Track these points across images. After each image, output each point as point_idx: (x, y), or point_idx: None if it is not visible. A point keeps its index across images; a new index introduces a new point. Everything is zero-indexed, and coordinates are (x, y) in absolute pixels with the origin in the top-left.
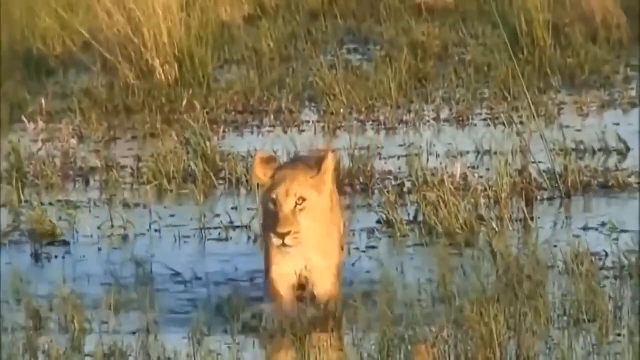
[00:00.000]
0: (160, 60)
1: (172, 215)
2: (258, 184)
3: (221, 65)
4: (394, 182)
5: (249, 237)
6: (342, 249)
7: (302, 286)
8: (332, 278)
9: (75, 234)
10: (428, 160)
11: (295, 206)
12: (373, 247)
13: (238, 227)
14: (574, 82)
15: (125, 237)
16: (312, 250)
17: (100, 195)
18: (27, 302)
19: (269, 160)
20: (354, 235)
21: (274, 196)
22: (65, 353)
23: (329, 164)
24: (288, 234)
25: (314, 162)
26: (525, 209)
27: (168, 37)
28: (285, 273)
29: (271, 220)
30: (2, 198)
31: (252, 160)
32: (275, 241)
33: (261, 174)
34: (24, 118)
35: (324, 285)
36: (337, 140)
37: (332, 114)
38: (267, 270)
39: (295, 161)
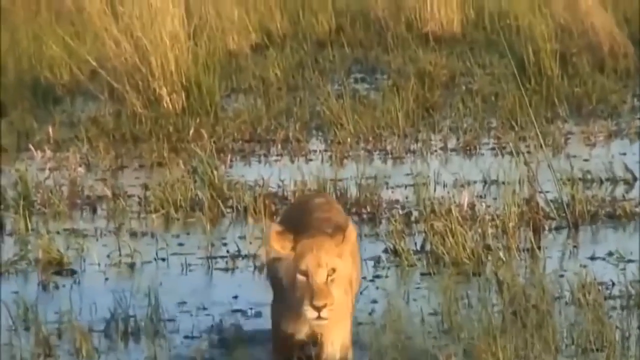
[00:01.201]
0: (167, 89)
1: (180, 244)
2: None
3: (228, 94)
4: (401, 211)
5: (256, 267)
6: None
7: (311, 336)
8: (345, 337)
9: (82, 262)
10: (435, 189)
11: (327, 277)
12: (379, 277)
13: (245, 256)
14: (581, 112)
15: (132, 266)
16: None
17: (107, 223)
18: (35, 330)
19: (284, 232)
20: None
21: (303, 267)
22: None
23: (352, 233)
24: (324, 306)
25: (333, 231)
26: (532, 238)
27: (175, 65)
28: (294, 333)
29: (302, 292)
30: (8, 226)
31: (259, 189)
32: (310, 314)
33: (279, 246)
34: (31, 146)
35: (336, 346)
36: (343, 169)
37: (339, 143)
38: (275, 331)
39: (310, 231)
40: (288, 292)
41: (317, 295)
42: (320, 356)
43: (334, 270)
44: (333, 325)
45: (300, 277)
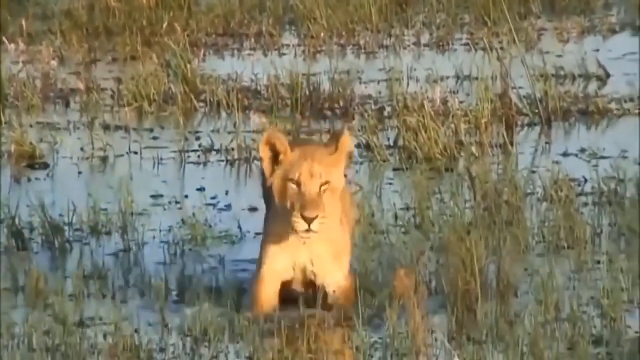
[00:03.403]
0: None
1: (153, 138)
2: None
3: None
4: (373, 106)
5: (227, 160)
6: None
7: (308, 285)
8: (344, 272)
9: (55, 155)
10: (408, 84)
11: (320, 188)
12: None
13: (217, 150)
14: (554, 8)
15: (104, 159)
16: (321, 241)
17: (80, 117)
18: (8, 223)
19: (279, 135)
20: None
21: (295, 175)
22: (46, 274)
23: (346, 142)
24: (316, 218)
25: (329, 140)
26: (505, 134)
27: None
28: (280, 269)
29: (292, 201)
30: None
31: (232, 83)
32: (299, 225)
33: (267, 151)
34: (4, 39)
35: (335, 281)
36: (316, 63)
37: (312, 37)
38: (258, 266)
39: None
40: (278, 202)
41: (309, 206)
42: (315, 297)
43: (327, 182)
44: (328, 263)
45: (291, 186)
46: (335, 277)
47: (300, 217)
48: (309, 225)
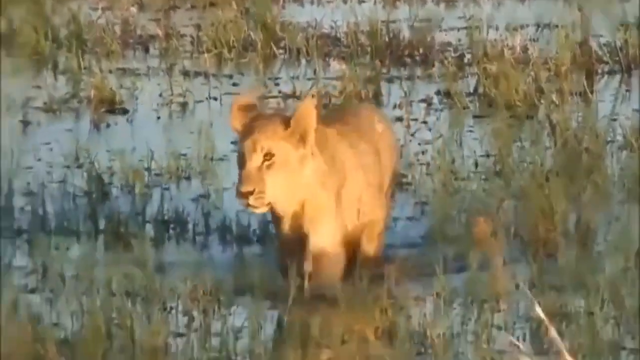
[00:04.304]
0: None
1: (233, 84)
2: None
3: None
4: (453, 54)
5: None
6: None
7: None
8: (329, 235)
9: (134, 101)
10: (488, 32)
11: (263, 162)
12: (432, 118)
13: (297, 96)
14: None
15: (184, 105)
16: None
17: (159, 63)
18: (88, 169)
19: (248, 107)
20: (411, 106)
21: (241, 150)
22: (126, 218)
23: (303, 111)
24: (251, 193)
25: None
26: (585, 82)
27: None
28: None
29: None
30: (61, 65)
31: (312, 31)
32: (239, 201)
33: (237, 123)
34: None
35: (318, 243)
36: (396, 10)
37: None
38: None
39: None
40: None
41: (244, 181)
42: (307, 259)
43: (271, 154)
44: (313, 222)
45: (239, 160)
46: (319, 238)
47: (236, 192)
48: (247, 201)
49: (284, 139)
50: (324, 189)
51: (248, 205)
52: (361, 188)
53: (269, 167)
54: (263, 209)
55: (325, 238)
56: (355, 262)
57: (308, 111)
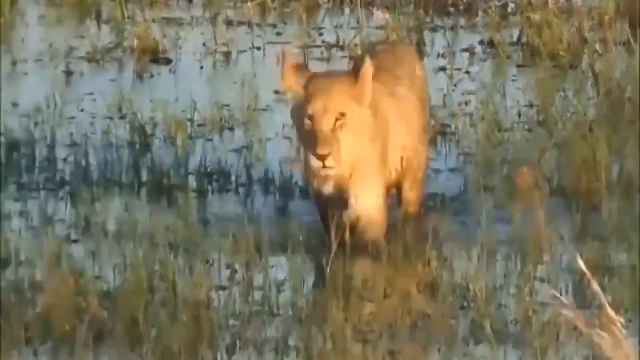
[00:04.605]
0: None
1: (277, 34)
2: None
3: None
4: (497, 3)
5: (351, 56)
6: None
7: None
8: (374, 194)
9: (178, 51)
10: None
11: (335, 123)
12: (475, 68)
13: (341, 46)
14: None
15: (227, 55)
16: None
17: (203, 12)
18: (130, 119)
19: (300, 67)
20: (454, 56)
21: (310, 112)
22: (169, 170)
23: (367, 72)
24: (328, 155)
25: (351, 72)
26: (628, 31)
27: None
28: (319, 186)
29: (308, 138)
30: (104, 14)
31: None
32: (314, 163)
33: (293, 83)
34: None
35: (361, 204)
36: None
37: None
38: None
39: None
40: (297, 137)
41: (321, 143)
42: (348, 214)
43: (342, 114)
44: (358, 180)
45: (306, 122)
46: (364, 197)
47: (313, 155)
48: (323, 163)
49: (352, 99)
50: (373, 142)
51: (324, 166)
52: (403, 135)
53: (341, 126)
54: (338, 170)
55: (370, 200)
56: (395, 208)
57: (370, 72)
